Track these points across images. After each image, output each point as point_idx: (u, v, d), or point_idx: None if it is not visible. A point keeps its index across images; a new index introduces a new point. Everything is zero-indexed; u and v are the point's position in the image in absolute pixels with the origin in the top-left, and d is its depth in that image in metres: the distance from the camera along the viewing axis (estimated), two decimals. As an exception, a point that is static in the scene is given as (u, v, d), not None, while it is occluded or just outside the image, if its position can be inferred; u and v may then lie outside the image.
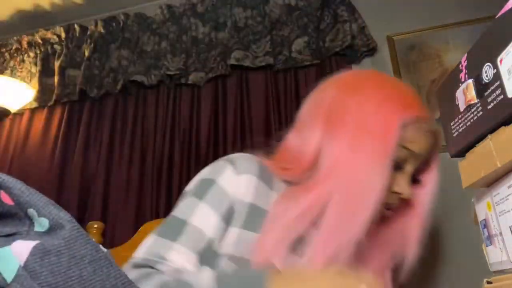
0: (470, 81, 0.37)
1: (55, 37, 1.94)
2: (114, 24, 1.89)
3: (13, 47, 2.02)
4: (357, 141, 0.61)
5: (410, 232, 0.67)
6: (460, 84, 0.39)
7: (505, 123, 0.32)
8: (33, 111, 1.90)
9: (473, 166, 0.38)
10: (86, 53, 1.83)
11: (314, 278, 0.50)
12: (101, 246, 0.35)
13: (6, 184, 0.33)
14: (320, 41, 1.59)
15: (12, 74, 1.96)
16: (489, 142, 0.34)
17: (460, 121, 0.40)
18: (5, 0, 1.96)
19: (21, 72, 1.96)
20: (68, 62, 1.87)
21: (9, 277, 0.29)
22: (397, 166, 0.62)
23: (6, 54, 2.03)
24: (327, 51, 1.57)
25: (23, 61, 1.98)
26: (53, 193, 1.63)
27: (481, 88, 0.35)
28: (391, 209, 0.66)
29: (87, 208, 1.59)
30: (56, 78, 1.84)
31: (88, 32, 1.89)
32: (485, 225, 0.38)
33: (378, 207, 0.57)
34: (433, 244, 1.28)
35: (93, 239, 0.34)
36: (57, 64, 1.87)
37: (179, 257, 0.58)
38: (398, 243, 0.68)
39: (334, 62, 1.57)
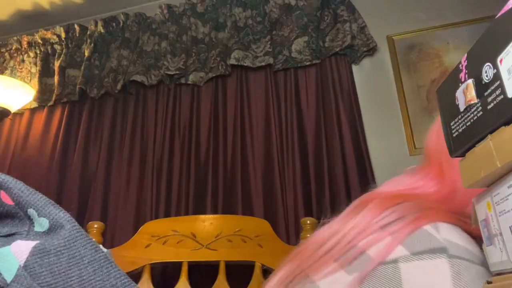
0: (470, 81, 0.37)
1: (55, 37, 1.94)
2: (114, 24, 1.89)
3: (13, 47, 2.02)
4: None
5: None
6: (460, 84, 0.39)
7: (505, 123, 0.32)
8: (33, 111, 1.90)
9: (473, 166, 0.38)
10: (86, 53, 1.83)
11: None
12: (101, 246, 0.35)
13: (6, 184, 0.33)
14: (320, 41, 1.59)
15: (12, 74, 1.96)
16: (489, 142, 0.34)
17: (460, 121, 0.40)
18: (5, 0, 1.96)
19: (21, 72, 1.95)
20: (68, 62, 1.87)
21: (9, 277, 0.29)
22: None
23: (6, 54, 2.03)
24: (327, 51, 1.57)
25: (23, 61, 1.98)
26: (53, 193, 1.63)
27: (481, 88, 0.35)
28: None
29: (87, 208, 1.59)
30: (56, 78, 1.84)
31: (88, 32, 1.89)
32: (485, 225, 0.38)
33: None
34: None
35: (93, 239, 0.34)
36: (57, 64, 1.87)
37: None
38: None
39: (334, 62, 1.57)
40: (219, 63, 1.63)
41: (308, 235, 1.02)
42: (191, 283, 1.04)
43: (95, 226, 1.14)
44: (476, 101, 0.35)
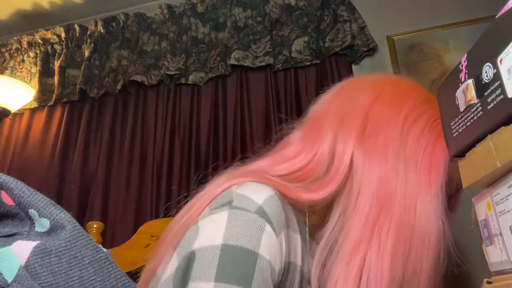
0: (470, 81, 0.37)
1: (55, 37, 1.94)
2: (114, 24, 1.89)
3: (13, 47, 2.02)
4: (406, 167, 0.49)
5: None
6: (460, 84, 0.39)
7: (505, 123, 0.32)
8: (33, 111, 1.90)
9: (473, 166, 0.38)
10: (86, 53, 1.83)
11: None
12: (101, 246, 0.35)
13: (7, 185, 0.34)
14: (320, 41, 1.59)
15: (12, 74, 1.96)
16: (489, 142, 0.34)
17: (460, 121, 0.40)
18: (5, 0, 1.96)
19: (21, 72, 1.96)
20: (68, 62, 1.87)
21: (9, 277, 0.29)
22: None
23: (6, 54, 2.03)
24: (327, 51, 1.57)
25: (23, 61, 1.98)
26: (53, 193, 1.63)
27: (481, 88, 0.35)
28: None
29: (87, 208, 1.59)
30: (56, 78, 1.84)
31: (88, 32, 1.89)
32: (485, 225, 0.38)
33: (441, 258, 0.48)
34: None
35: (93, 239, 0.34)
36: (57, 64, 1.88)
37: None
38: None
39: (334, 62, 1.57)
40: (219, 63, 1.63)
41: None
42: (191, 283, 1.04)
43: (95, 226, 1.14)
44: (476, 101, 0.35)
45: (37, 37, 1.96)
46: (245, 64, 1.60)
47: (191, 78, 1.66)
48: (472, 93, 0.36)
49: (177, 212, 0.54)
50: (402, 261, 0.45)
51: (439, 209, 0.47)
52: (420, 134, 0.51)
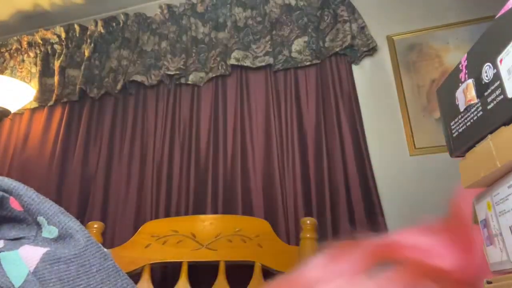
0: (470, 81, 0.37)
1: (55, 37, 1.94)
2: (114, 24, 1.89)
3: (13, 47, 2.02)
4: None
5: None
6: (460, 84, 0.39)
7: (505, 123, 0.32)
8: (33, 111, 1.90)
9: (473, 166, 0.38)
10: (86, 53, 1.83)
11: None
12: (106, 250, 0.35)
13: (17, 191, 0.34)
14: (320, 41, 1.59)
15: (12, 74, 1.96)
16: (489, 142, 0.34)
17: (460, 121, 0.40)
18: (5, 0, 1.96)
19: (21, 72, 1.96)
20: (68, 62, 1.87)
21: (17, 282, 0.30)
22: None
23: (6, 54, 2.03)
24: (327, 51, 1.57)
25: (23, 61, 1.98)
26: (53, 193, 1.63)
27: (481, 88, 0.35)
28: None
29: (87, 208, 1.59)
30: (56, 78, 1.84)
31: (88, 32, 1.89)
32: (485, 225, 0.38)
33: None
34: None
35: (104, 248, 0.35)
36: (57, 64, 1.88)
37: None
38: None
39: (334, 62, 1.57)
40: (219, 63, 1.63)
41: (308, 235, 1.02)
42: (191, 283, 1.04)
43: (95, 226, 1.14)
44: (476, 101, 0.35)
45: (37, 37, 1.96)
46: (245, 64, 1.60)
47: (191, 78, 1.66)
48: (472, 93, 0.36)
49: None
50: None
51: None
52: None
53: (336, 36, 1.58)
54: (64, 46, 1.92)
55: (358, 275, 0.39)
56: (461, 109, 0.38)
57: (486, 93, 0.34)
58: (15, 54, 2.01)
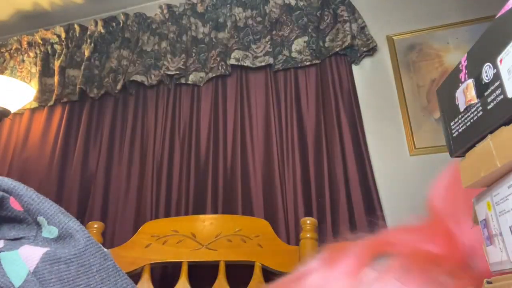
0: (470, 81, 0.37)
1: (55, 37, 1.94)
2: (114, 24, 1.89)
3: (13, 47, 2.02)
4: None
5: None
6: (460, 84, 0.39)
7: (505, 123, 0.32)
8: (33, 111, 1.90)
9: (473, 166, 0.38)
10: (86, 53, 1.83)
11: None
12: (106, 250, 0.35)
13: (17, 191, 0.34)
14: (320, 41, 1.59)
15: (12, 74, 1.96)
16: (489, 142, 0.34)
17: (460, 121, 0.40)
18: (5, 0, 1.96)
19: (21, 72, 1.96)
20: (68, 62, 1.87)
21: (17, 281, 0.30)
22: None
23: (6, 54, 2.03)
24: (327, 51, 1.57)
25: (23, 61, 1.98)
26: (53, 193, 1.63)
27: (481, 88, 0.35)
28: None
29: (87, 208, 1.59)
30: (56, 78, 1.84)
31: (88, 32, 1.89)
32: (485, 225, 0.38)
33: None
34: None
35: (104, 248, 0.35)
36: (57, 64, 1.88)
37: None
38: None
39: (334, 62, 1.57)
40: (219, 63, 1.63)
41: (308, 235, 1.02)
42: (191, 283, 1.04)
43: (95, 226, 1.14)
44: (476, 101, 0.35)
45: (37, 37, 1.96)
46: (245, 64, 1.60)
47: (191, 78, 1.66)
48: (472, 93, 0.36)
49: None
50: None
51: None
52: None
53: (336, 36, 1.58)
54: (64, 46, 1.92)
55: (356, 276, 0.40)
56: (461, 109, 0.38)
57: (486, 93, 0.34)
58: (15, 54, 2.01)
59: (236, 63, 1.60)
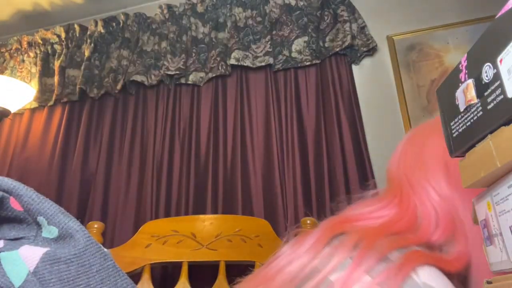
0: (470, 81, 0.37)
1: (55, 37, 1.94)
2: (114, 24, 1.89)
3: (13, 47, 2.02)
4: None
5: None
6: (460, 84, 0.39)
7: (505, 123, 0.32)
8: (33, 111, 1.90)
9: (473, 166, 0.38)
10: (86, 53, 1.83)
11: None
12: (106, 250, 0.35)
13: (17, 191, 0.34)
14: (320, 41, 1.59)
15: (12, 74, 1.96)
16: (489, 142, 0.34)
17: (460, 121, 0.40)
18: (5, 0, 1.96)
19: (21, 72, 1.96)
20: (68, 62, 1.87)
21: (17, 282, 0.30)
22: None
23: (6, 54, 2.03)
24: (327, 51, 1.57)
25: (23, 61, 1.98)
26: (53, 193, 1.63)
27: (481, 88, 0.35)
28: None
29: (87, 208, 1.59)
30: (56, 78, 1.84)
31: (88, 32, 1.89)
32: (485, 225, 0.38)
33: None
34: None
35: (104, 248, 0.35)
36: (57, 64, 1.88)
37: None
38: None
39: (334, 62, 1.57)
40: (219, 63, 1.63)
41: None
42: (191, 283, 1.04)
43: (95, 226, 1.14)
44: (476, 101, 0.35)
45: (37, 37, 1.96)
46: (245, 64, 1.60)
47: (191, 78, 1.66)
48: (472, 93, 0.36)
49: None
50: None
51: None
52: None
53: (336, 36, 1.58)
54: (64, 46, 1.92)
55: (319, 250, 0.45)
56: (461, 109, 0.38)
57: (486, 93, 0.34)
58: (15, 54, 2.01)
59: (236, 63, 1.60)
